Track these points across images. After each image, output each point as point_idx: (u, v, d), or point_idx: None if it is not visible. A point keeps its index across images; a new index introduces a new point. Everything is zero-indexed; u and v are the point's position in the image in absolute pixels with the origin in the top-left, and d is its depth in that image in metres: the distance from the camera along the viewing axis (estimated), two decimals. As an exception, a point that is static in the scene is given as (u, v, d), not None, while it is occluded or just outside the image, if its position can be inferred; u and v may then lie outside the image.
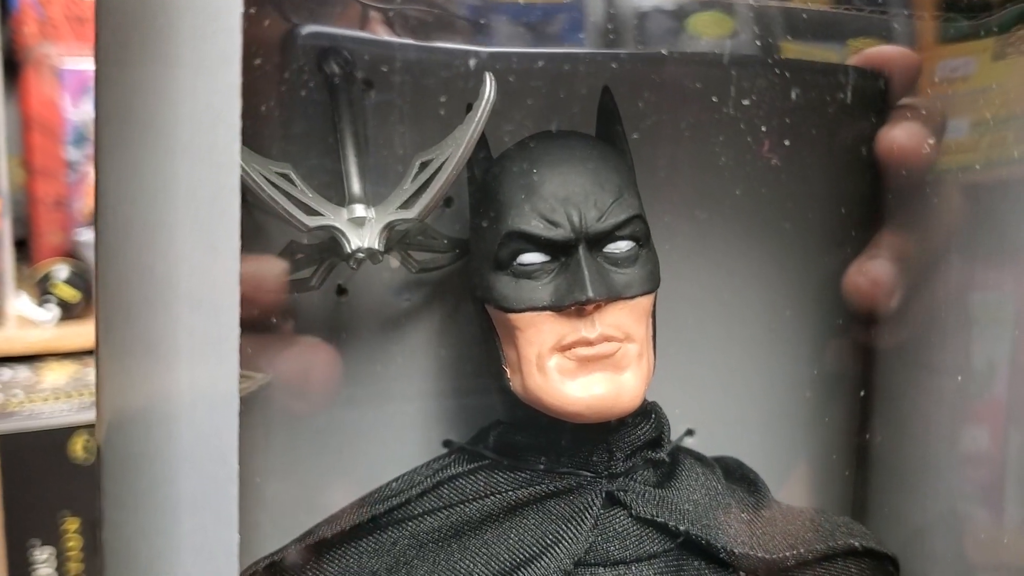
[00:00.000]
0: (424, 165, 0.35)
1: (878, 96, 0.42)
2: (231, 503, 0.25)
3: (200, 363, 0.25)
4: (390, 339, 0.41)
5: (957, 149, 0.42)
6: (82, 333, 1.06)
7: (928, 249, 0.42)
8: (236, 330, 0.25)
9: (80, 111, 1.14)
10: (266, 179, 0.33)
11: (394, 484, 0.37)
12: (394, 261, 0.38)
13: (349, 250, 0.35)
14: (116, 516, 0.25)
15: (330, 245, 0.36)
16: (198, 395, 0.25)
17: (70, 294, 1.07)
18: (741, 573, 0.36)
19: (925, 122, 0.41)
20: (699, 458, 0.39)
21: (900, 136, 0.40)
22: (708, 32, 0.44)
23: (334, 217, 0.35)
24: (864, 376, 0.44)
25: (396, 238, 0.36)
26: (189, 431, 0.25)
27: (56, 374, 1.03)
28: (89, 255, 1.10)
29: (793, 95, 0.42)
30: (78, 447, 0.92)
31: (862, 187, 0.43)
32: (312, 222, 0.34)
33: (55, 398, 0.97)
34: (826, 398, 0.44)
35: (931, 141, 0.40)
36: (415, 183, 0.35)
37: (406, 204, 0.35)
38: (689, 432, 0.42)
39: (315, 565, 0.35)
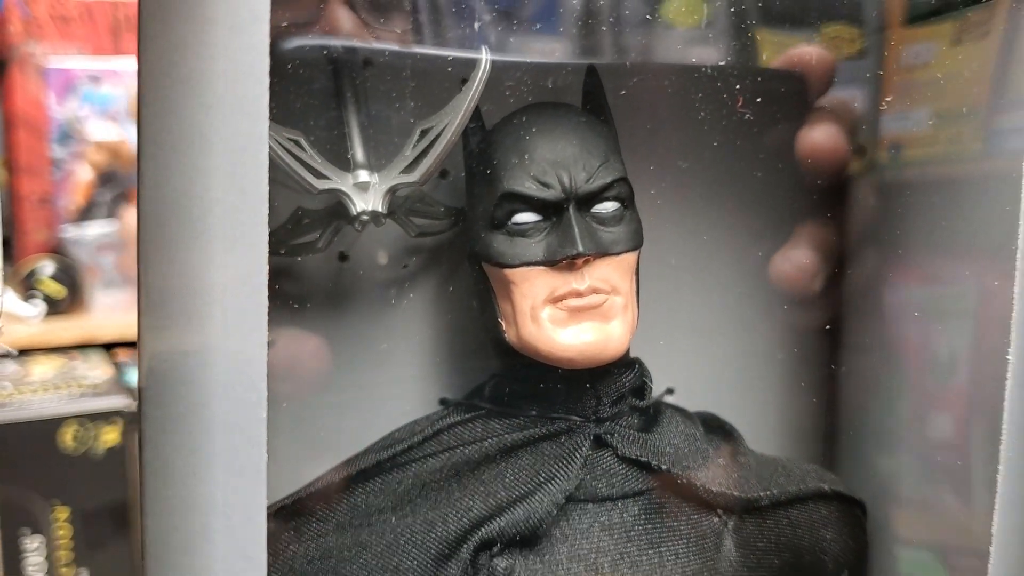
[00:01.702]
0: (424, 133, 0.37)
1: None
2: (260, 425, 0.27)
3: (232, 296, 0.27)
4: (389, 303, 0.44)
5: (917, 143, 0.45)
6: (68, 328, 1.07)
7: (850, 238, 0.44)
8: (265, 266, 0.27)
9: (65, 109, 1.16)
10: (280, 144, 0.35)
11: (396, 433, 0.39)
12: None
13: (354, 212, 0.37)
14: (156, 437, 0.28)
15: (336, 209, 0.38)
16: (230, 326, 0.27)
17: (56, 289, 1.09)
18: (719, 510, 0.39)
19: (840, 122, 0.43)
20: (680, 410, 0.42)
21: (817, 136, 0.43)
22: (681, 21, 0.46)
23: (340, 181, 0.37)
24: (832, 338, 0.48)
25: (398, 202, 0.39)
26: (222, 359, 0.27)
27: (44, 367, 1.04)
28: (74, 251, 1.12)
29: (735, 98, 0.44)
30: (67, 437, 0.93)
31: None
32: (321, 185, 0.36)
33: (44, 390, 0.98)
34: (798, 360, 0.48)
35: (846, 141, 0.42)
36: (415, 149, 0.37)
37: (408, 169, 0.38)
38: (669, 390, 0.45)
39: (326, 505, 0.38)
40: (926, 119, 0.44)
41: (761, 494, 0.39)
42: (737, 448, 0.41)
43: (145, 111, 0.27)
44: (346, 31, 0.38)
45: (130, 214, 1.20)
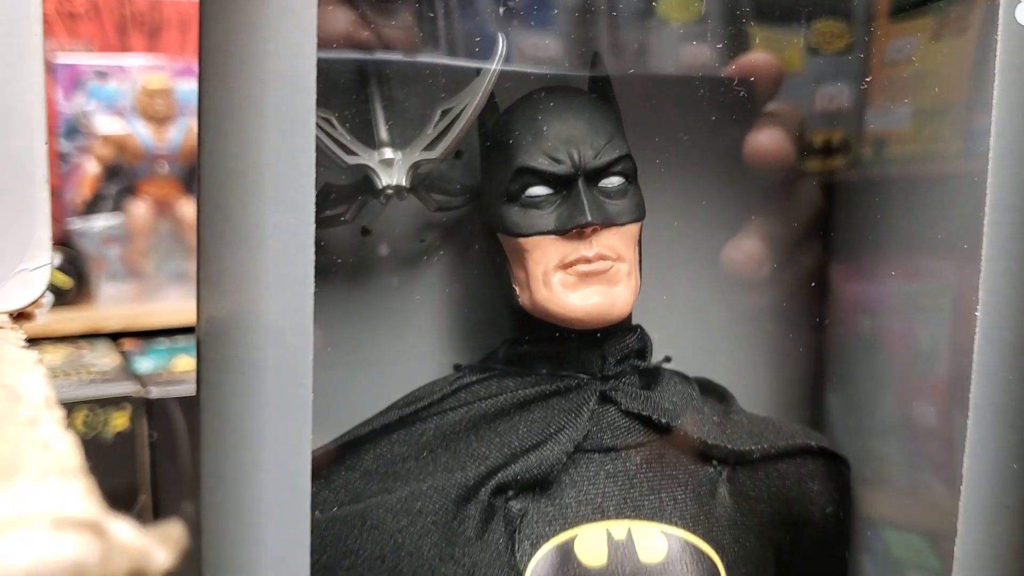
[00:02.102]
0: (444, 113, 0.41)
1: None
2: (307, 368, 0.31)
3: (282, 252, 0.30)
4: (408, 275, 0.47)
5: (900, 139, 0.47)
6: (75, 318, 1.10)
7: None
8: (312, 225, 0.30)
9: (72, 104, 1.18)
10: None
11: (417, 392, 0.43)
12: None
13: (380, 186, 0.41)
14: (212, 379, 0.31)
15: (361, 184, 0.42)
16: (280, 277, 0.30)
17: (63, 280, 1.11)
18: (713, 461, 0.42)
19: (786, 125, 0.45)
20: (678, 374, 0.45)
21: (764, 140, 0.46)
22: (676, 16, 0.49)
23: (367, 158, 0.41)
24: (819, 308, 0.51)
25: (419, 179, 0.42)
26: (273, 307, 0.30)
27: (52, 356, 1.07)
28: (81, 243, 1.14)
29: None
30: (78, 422, 0.96)
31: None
32: (351, 160, 0.40)
33: (54, 376, 1.01)
34: (786, 328, 0.51)
35: (790, 144, 0.45)
36: (436, 128, 0.41)
37: (429, 147, 0.41)
38: (667, 359, 0.49)
39: (355, 455, 0.41)
40: (908, 116, 0.47)
41: (752, 447, 0.43)
42: (730, 407, 0.45)
43: (205, 87, 0.30)
44: (368, 27, 0.41)
45: (135, 207, 1.23)
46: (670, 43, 0.49)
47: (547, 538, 0.39)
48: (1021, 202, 0.38)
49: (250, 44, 0.30)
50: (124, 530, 0.17)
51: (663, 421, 0.41)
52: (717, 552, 0.40)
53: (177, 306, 1.19)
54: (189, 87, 1.39)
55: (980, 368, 0.39)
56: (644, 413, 0.41)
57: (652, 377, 0.43)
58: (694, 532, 0.40)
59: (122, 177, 1.22)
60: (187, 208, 1.40)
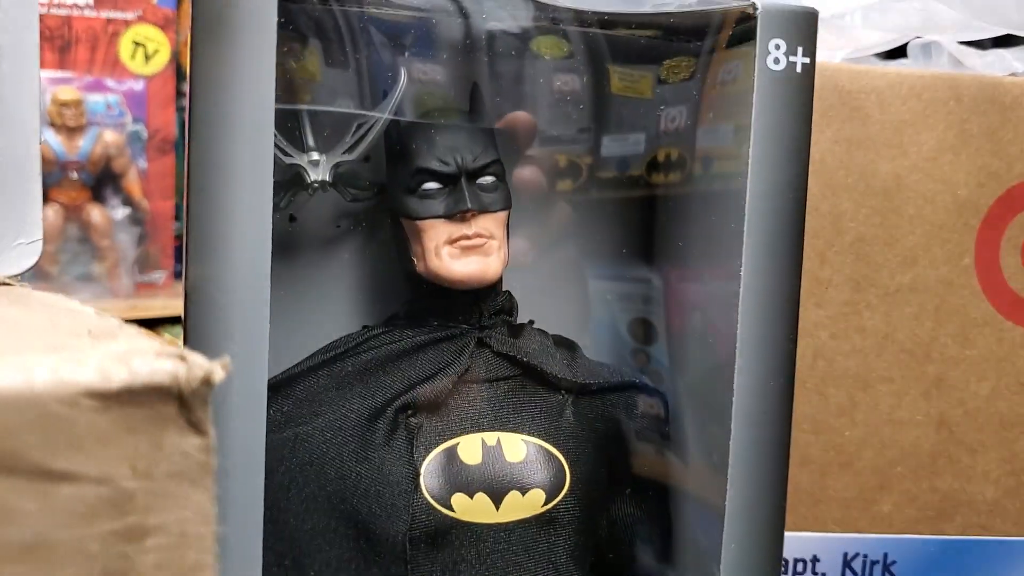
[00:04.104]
0: (360, 125, 0.54)
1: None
2: (264, 307, 0.43)
3: (248, 228, 0.43)
4: (327, 254, 0.59)
5: (723, 156, 0.53)
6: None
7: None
8: (270, 206, 0.43)
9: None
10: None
11: (335, 342, 0.55)
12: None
13: (308, 181, 0.53)
14: (196, 323, 0.43)
15: (293, 179, 0.54)
16: (247, 248, 0.43)
17: None
18: (562, 391, 0.56)
19: (539, 165, 0.60)
20: (539, 330, 0.59)
21: (526, 174, 0.59)
22: (549, 53, 0.63)
23: (299, 159, 0.53)
24: (648, 286, 0.66)
25: (338, 176, 0.55)
26: (240, 264, 0.43)
27: None
28: None
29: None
30: None
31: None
32: (287, 160, 0.52)
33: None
34: (624, 299, 0.65)
35: (543, 177, 0.60)
36: (353, 137, 0.54)
37: (348, 151, 0.54)
38: (531, 321, 0.62)
39: (287, 388, 0.53)
40: (730, 135, 0.52)
41: (591, 381, 0.57)
42: (576, 354, 0.59)
43: (194, 102, 0.43)
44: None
45: (45, 212, 1.30)
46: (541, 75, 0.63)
47: (437, 444, 0.52)
48: (771, 212, 0.51)
49: (224, 72, 0.42)
50: (197, 356, 0.29)
51: (524, 360, 0.55)
52: (563, 455, 0.54)
53: (82, 300, 1.27)
54: (98, 99, 1.47)
55: (741, 351, 0.50)
56: (510, 354, 0.54)
57: (518, 330, 0.57)
58: (546, 440, 0.54)
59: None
60: (95, 213, 1.48)
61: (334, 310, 0.60)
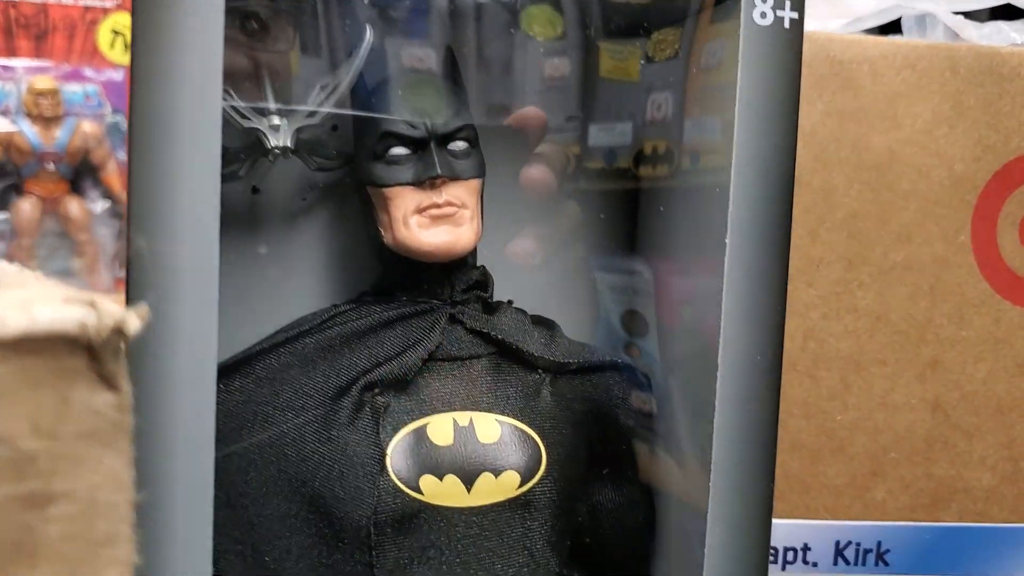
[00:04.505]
0: (323, 87, 0.51)
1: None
2: (213, 274, 0.40)
3: (196, 199, 0.40)
4: (292, 227, 0.57)
5: (710, 151, 0.50)
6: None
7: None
8: (218, 177, 0.40)
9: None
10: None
11: (300, 319, 0.52)
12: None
13: (269, 147, 0.50)
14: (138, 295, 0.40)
15: (254, 145, 0.51)
16: (195, 218, 0.40)
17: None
18: (539, 370, 0.53)
19: (549, 163, 0.58)
20: (517, 308, 0.56)
21: (534, 173, 0.57)
22: (541, 33, 0.60)
23: (259, 123, 0.50)
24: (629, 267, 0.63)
25: (301, 143, 0.52)
26: (187, 239, 0.40)
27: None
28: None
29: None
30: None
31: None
32: (245, 124, 0.49)
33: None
34: (615, 290, 0.62)
35: (553, 176, 0.57)
36: (316, 99, 0.51)
37: (311, 115, 0.51)
38: (509, 302, 0.59)
39: (248, 366, 0.50)
40: (718, 128, 0.49)
41: (571, 360, 0.54)
42: (555, 333, 0.56)
43: (136, 58, 0.40)
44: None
45: (21, 205, 1.27)
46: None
47: (405, 424, 0.49)
48: (758, 176, 0.48)
49: (172, 36, 0.39)
50: (109, 304, 0.26)
51: (499, 338, 0.52)
52: (539, 436, 0.51)
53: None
54: (75, 89, 1.43)
55: (725, 343, 0.47)
56: (484, 331, 0.52)
57: (493, 307, 0.54)
58: (521, 420, 0.51)
59: (8, 175, 1.26)
60: (73, 206, 1.44)
61: (301, 288, 0.57)
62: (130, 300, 0.41)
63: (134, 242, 0.41)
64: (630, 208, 0.61)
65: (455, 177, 0.50)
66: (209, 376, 0.42)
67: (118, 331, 0.26)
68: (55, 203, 1.52)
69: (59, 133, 1.48)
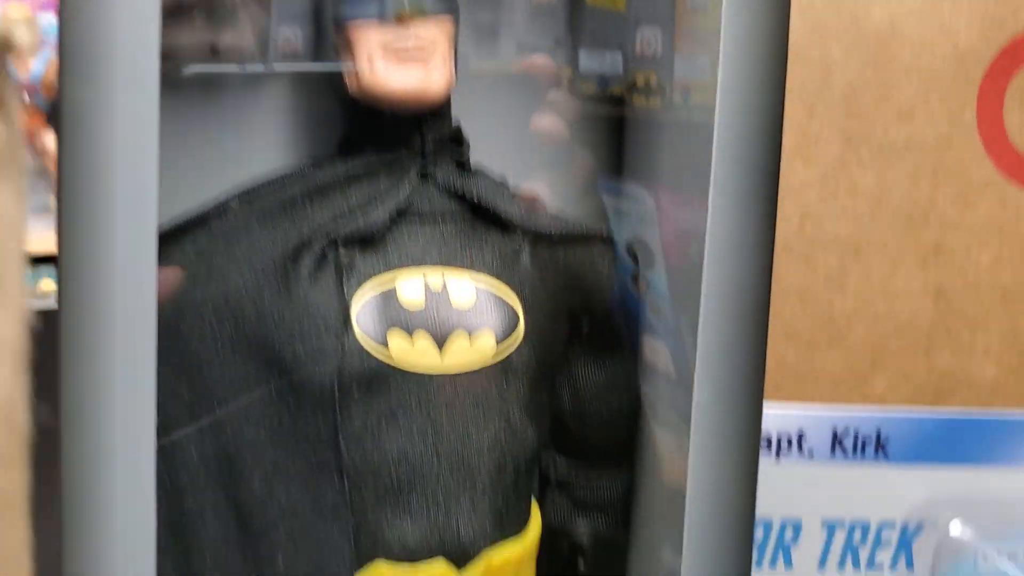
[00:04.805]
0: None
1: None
2: (153, 177, 0.37)
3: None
4: (255, 89, 0.52)
5: (700, 88, 0.48)
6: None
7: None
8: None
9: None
10: None
11: (261, 176, 0.48)
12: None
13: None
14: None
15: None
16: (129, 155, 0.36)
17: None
18: (519, 234, 0.49)
19: (559, 111, 0.54)
20: (495, 174, 0.52)
21: (544, 120, 0.54)
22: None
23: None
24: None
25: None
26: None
27: None
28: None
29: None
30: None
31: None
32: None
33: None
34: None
35: (561, 122, 0.54)
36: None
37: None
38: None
39: (202, 221, 0.46)
40: (706, 66, 0.47)
41: (551, 225, 0.50)
42: (537, 203, 0.52)
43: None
44: None
45: None
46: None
47: (370, 277, 0.45)
48: (738, 143, 0.44)
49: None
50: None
51: (475, 198, 0.48)
52: (518, 300, 0.47)
53: (40, 236, 1.20)
54: (51, 19, 1.38)
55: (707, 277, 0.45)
56: (458, 190, 0.48)
57: (468, 168, 0.50)
58: (499, 280, 0.47)
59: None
60: (50, 140, 1.40)
61: (263, 151, 0.53)
62: (62, 156, 0.38)
63: (67, 95, 0.37)
64: (618, 134, 0.57)
65: (423, 11, 0.46)
66: (148, 242, 0.38)
67: (5, 42, 0.22)
68: (31, 136, 1.47)
69: (34, 65, 1.42)
